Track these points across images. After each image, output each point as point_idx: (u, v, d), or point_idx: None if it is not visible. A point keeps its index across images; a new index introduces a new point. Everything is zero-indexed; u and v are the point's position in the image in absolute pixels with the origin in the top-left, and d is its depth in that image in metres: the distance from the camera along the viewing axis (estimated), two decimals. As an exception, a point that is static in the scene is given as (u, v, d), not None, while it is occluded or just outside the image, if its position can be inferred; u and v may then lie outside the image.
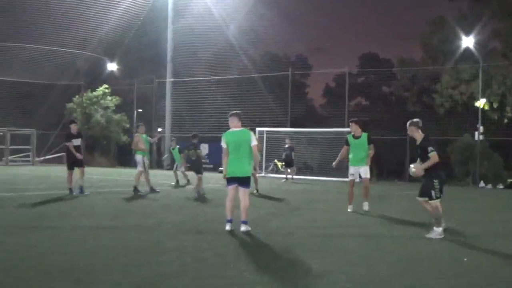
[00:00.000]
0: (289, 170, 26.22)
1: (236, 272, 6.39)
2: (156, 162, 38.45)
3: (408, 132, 9.83)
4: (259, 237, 8.81)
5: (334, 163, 13.81)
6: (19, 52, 40.88)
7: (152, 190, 16.47)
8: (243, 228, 9.13)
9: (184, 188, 18.68)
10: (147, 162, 16.80)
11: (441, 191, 9.28)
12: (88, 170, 25.42)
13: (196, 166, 16.63)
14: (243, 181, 9.31)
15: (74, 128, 15.72)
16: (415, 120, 9.80)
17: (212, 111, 35.20)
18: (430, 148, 9.17)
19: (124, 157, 38.82)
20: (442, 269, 6.85)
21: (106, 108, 41.15)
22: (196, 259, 7.03)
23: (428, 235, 9.13)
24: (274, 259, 7.30)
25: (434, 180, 9.17)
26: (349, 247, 8.26)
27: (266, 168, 29.35)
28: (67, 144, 15.34)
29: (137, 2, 38.55)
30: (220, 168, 25.46)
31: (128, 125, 40.86)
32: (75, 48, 41.48)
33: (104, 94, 41.37)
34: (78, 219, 10.38)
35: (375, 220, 11.77)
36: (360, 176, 13.22)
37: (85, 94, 41.14)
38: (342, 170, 27.38)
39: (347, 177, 25.35)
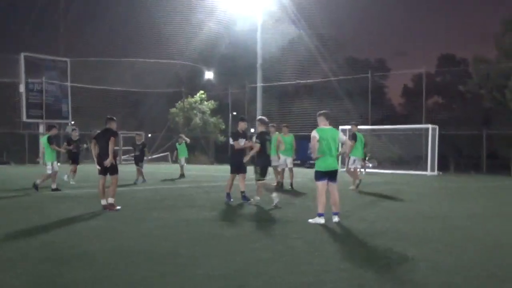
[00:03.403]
0: (370, 165, 25.98)
1: (322, 259, 6.23)
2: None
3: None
4: (344, 226, 8.59)
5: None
6: (130, 66, 42.64)
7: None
8: (336, 219, 8.94)
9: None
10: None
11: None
12: (188, 167, 26.19)
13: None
14: (334, 175, 9.09)
15: (241, 125, 12.37)
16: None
17: (299, 112, 35.09)
18: None
19: (221, 155, 39.44)
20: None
21: (203, 112, 42.04)
22: (287, 247, 6.94)
23: None
24: (358, 247, 7.09)
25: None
26: (433, 236, 7.88)
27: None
28: (232, 143, 12.18)
29: (228, 15, 39.16)
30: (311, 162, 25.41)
31: (223, 127, 41.55)
32: (177, 59, 42.81)
33: (201, 99, 42.32)
34: (182, 211, 10.56)
35: (458, 211, 11.27)
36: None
37: (185, 100, 42.25)
38: (420, 163, 26.61)
39: (425, 170, 24.80)
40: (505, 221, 9.84)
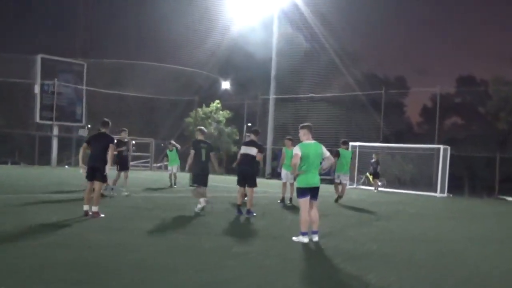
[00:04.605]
0: (379, 183, 25.46)
1: (291, 281, 5.85)
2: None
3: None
4: (330, 246, 8.16)
5: None
6: (147, 72, 42.82)
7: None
8: (316, 238, 8.47)
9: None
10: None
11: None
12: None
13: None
14: (316, 192, 8.59)
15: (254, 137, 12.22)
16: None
17: (313, 125, 34.57)
18: None
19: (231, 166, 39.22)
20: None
21: (218, 121, 41.89)
22: (260, 265, 6.57)
23: None
24: (336, 269, 6.68)
25: None
26: (420, 261, 7.44)
27: (358, 180, 28.11)
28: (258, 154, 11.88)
29: (245, 26, 39.10)
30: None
31: (237, 137, 41.33)
32: (194, 67, 42.87)
33: (217, 109, 42.21)
34: (167, 220, 10.26)
35: (457, 234, 10.84)
36: None
37: (199, 109, 42.13)
38: (431, 184, 25.98)
39: (435, 191, 24.13)
40: (506, 247, 9.35)
